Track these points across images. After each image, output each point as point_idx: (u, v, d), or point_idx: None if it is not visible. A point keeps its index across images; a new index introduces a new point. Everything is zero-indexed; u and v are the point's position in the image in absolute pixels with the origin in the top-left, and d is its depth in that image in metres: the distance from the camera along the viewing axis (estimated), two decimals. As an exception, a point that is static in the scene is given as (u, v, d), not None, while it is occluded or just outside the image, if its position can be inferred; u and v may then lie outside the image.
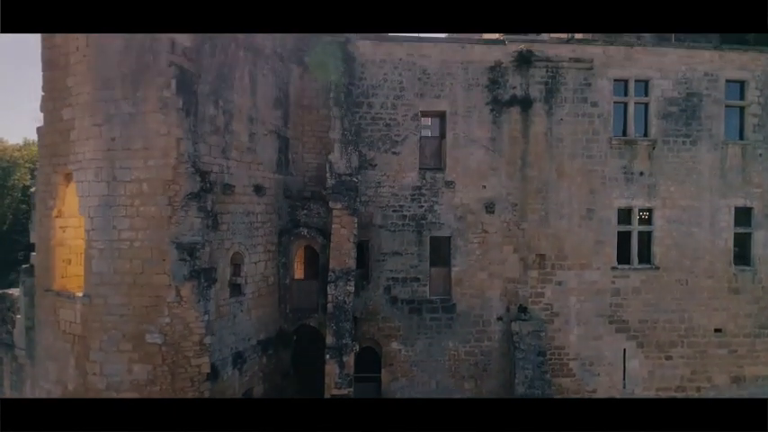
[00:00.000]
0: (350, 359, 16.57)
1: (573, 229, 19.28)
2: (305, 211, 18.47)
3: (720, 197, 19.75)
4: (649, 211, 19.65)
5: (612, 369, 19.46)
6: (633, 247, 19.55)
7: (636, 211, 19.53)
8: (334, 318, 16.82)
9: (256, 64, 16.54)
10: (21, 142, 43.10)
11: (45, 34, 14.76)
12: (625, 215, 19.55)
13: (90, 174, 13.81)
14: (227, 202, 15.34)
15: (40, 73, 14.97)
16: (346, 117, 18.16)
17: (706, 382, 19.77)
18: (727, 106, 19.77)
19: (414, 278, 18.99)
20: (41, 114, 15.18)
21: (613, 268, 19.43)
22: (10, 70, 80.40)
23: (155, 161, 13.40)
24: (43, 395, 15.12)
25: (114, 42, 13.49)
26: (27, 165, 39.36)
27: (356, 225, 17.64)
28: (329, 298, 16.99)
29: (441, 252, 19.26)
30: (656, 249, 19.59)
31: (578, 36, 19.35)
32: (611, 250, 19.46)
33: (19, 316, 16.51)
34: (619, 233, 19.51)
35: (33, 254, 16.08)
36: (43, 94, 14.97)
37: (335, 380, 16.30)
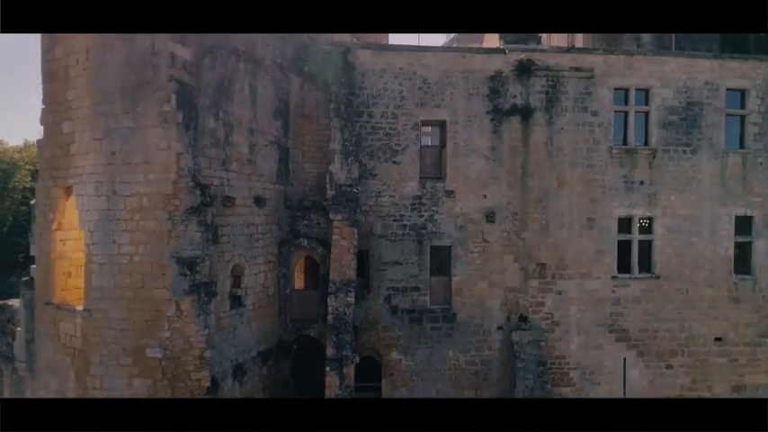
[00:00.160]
0: (350, 371, 16.58)
1: (573, 238, 19.27)
2: (305, 222, 18.47)
3: (721, 206, 19.74)
4: (650, 220, 19.63)
5: (613, 378, 19.45)
6: (633, 256, 19.54)
7: (636, 220, 19.52)
8: (334, 329, 16.81)
9: (256, 75, 16.51)
10: (21, 144, 43.03)
11: (45, 46, 14.78)
12: (625, 224, 19.53)
13: (90, 188, 13.80)
14: (228, 215, 15.33)
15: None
16: (347, 128, 18.15)
17: (706, 391, 19.75)
18: (727, 115, 19.74)
19: (414, 287, 18.98)
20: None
21: (614, 277, 19.42)
22: (10, 71, 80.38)
23: (155, 175, 13.38)
24: (44, 408, 15.10)
25: (114, 56, 13.49)
26: (27, 167, 39.20)
27: (356, 236, 17.64)
28: (329, 309, 16.99)
29: (441, 261, 19.25)
30: (657, 258, 19.59)
31: (579, 45, 19.36)
32: (612, 259, 19.45)
33: (19, 328, 16.51)
34: (619, 242, 19.50)
35: (33, 266, 16.06)
36: (43, 106, 14.95)
37: (336, 391, 16.31)
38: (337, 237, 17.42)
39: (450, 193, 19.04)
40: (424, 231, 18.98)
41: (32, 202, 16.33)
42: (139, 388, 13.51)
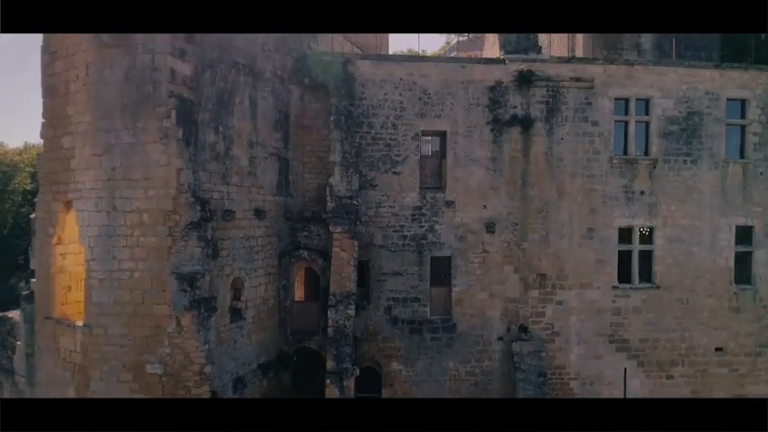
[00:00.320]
0: (350, 383, 16.57)
1: (573, 248, 19.27)
2: (305, 233, 18.45)
3: (721, 216, 19.73)
4: (650, 230, 19.63)
5: (613, 388, 19.44)
6: (634, 266, 19.54)
7: (636, 230, 19.52)
8: (334, 342, 16.80)
9: (256, 87, 16.49)
10: (21, 146, 42.98)
11: (45, 61, 14.79)
12: (626, 234, 19.52)
13: (90, 203, 13.78)
14: (228, 228, 15.32)
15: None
16: (347, 139, 18.13)
17: (707, 400, 19.78)
18: (727, 125, 19.75)
19: (414, 298, 18.97)
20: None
21: (614, 287, 19.42)
22: (10, 73, 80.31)
23: (155, 191, 13.36)
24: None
25: (114, 72, 13.47)
26: (27, 169, 39.22)
27: (356, 248, 17.61)
28: (330, 322, 16.98)
29: (441, 272, 19.23)
30: (657, 268, 19.58)
31: (579, 54, 19.32)
32: (612, 269, 19.45)
33: (19, 342, 16.49)
34: (619, 252, 19.50)
35: (33, 280, 16.04)
36: (43, 120, 14.93)
37: (336, 404, 16.29)
38: (337, 249, 17.40)
39: (450, 204, 19.03)
40: (424, 242, 18.97)
41: (33, 216, 16.29)
42: (140, 403, 13.49)
